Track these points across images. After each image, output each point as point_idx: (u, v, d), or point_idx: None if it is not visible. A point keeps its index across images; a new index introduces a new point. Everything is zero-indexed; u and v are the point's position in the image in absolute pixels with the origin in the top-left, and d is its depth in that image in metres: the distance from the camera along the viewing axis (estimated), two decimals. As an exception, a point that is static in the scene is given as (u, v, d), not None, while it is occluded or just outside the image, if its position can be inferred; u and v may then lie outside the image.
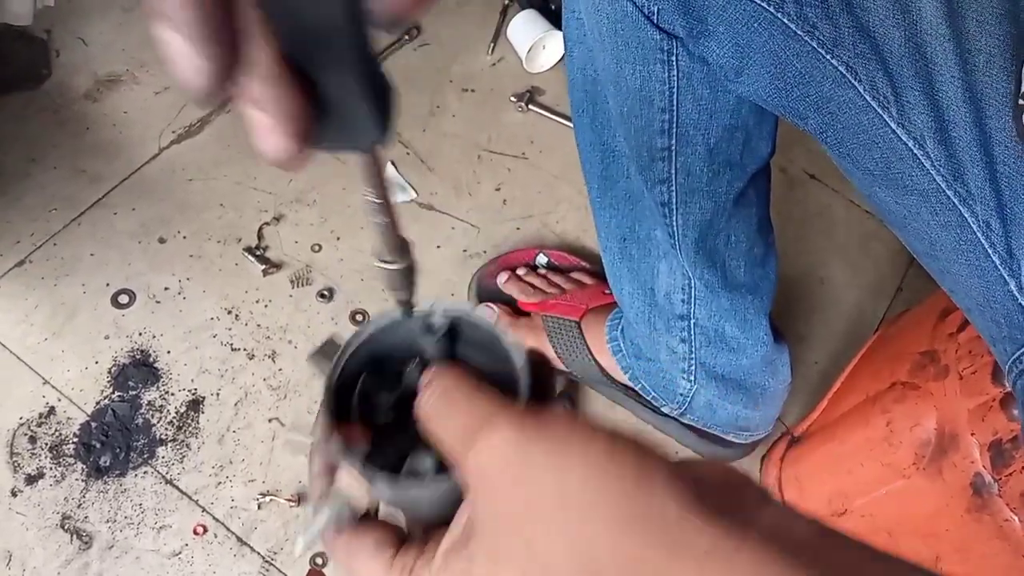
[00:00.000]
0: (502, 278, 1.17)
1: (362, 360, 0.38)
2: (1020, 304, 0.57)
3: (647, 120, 0.72)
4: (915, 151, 0.58)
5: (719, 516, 0.28)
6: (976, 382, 0.86)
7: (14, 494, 1.01)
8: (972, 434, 0.84)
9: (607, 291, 1.13)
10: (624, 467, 0.29)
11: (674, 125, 0.72)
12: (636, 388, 1.05)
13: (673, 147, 0.74)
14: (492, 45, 1.42)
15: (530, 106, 1.36)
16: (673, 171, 0.75)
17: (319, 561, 1.01)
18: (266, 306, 1.16)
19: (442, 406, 0.34)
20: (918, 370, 0.94)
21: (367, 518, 0.37)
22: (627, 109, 0.72)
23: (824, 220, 1.37)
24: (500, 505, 0.30)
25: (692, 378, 0.97)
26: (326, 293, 1.18)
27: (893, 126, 0.58)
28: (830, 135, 0.63)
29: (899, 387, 0.97)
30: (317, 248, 1.21)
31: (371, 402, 0.39)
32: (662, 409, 1.06)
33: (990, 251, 0.57)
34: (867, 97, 0.59)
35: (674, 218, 0.79)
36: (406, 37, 1.41)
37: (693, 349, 0.94)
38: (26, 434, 1.04)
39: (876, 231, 1.36)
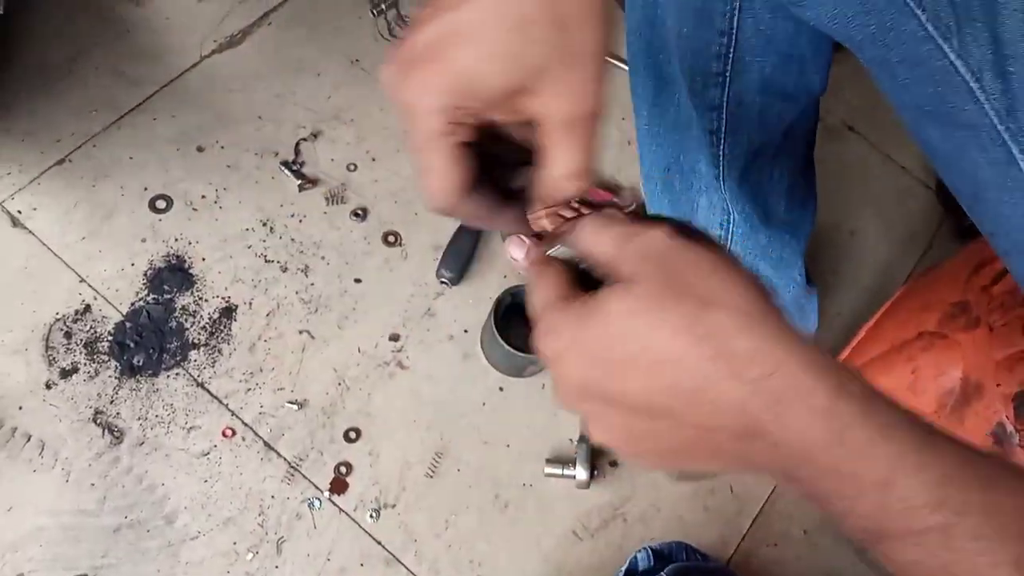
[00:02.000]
0: (534, 209, 1.16)
1: None
2: None
3: (705, 42, 0.71)
4: (971, 84, 0.58)
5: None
6: (1007, 334, 0.86)
7: (48, 386, 1.03)
8: (998, 385, 0.85)
9: (640, 227, 1.13)
10: (746, 270, 0.39)
11: (731, 49, 0.71)
12: (664, 323, 1.06)
13: (728, 73, 0.73)
14: (537, -25, 1.40)
15: (572, 38, 1.34)
16: (725, 98, 0.75)
17: (343, 470, 1.03)
18: (300, 221, 1.16)
19: (602, 224, 0.41)
20: (948, 320, 0.95)
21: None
22: (686, 30, 0.72)
23: (859, 173, 1.36)
24: (646, 265, 0.38)
25: (722, 315, 0.98)
26: (360, 213, 1.18)
27: (952, 57, 0.58)
28: (885, 67, 0.62)
29: (927, 336, 0.97)
30: (352, 167, 1.21)
31: None
32: (688, 346, 1.07)
33: None
34: (929, 27, 0.58)
35: (721, 147, 0.79)
36: (451, -39, 1.39)
37: (726, 286, 0.94)
38: (62, 329, 1.06)
39: (910, 187, 1.36)
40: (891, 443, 0.35)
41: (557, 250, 0.45)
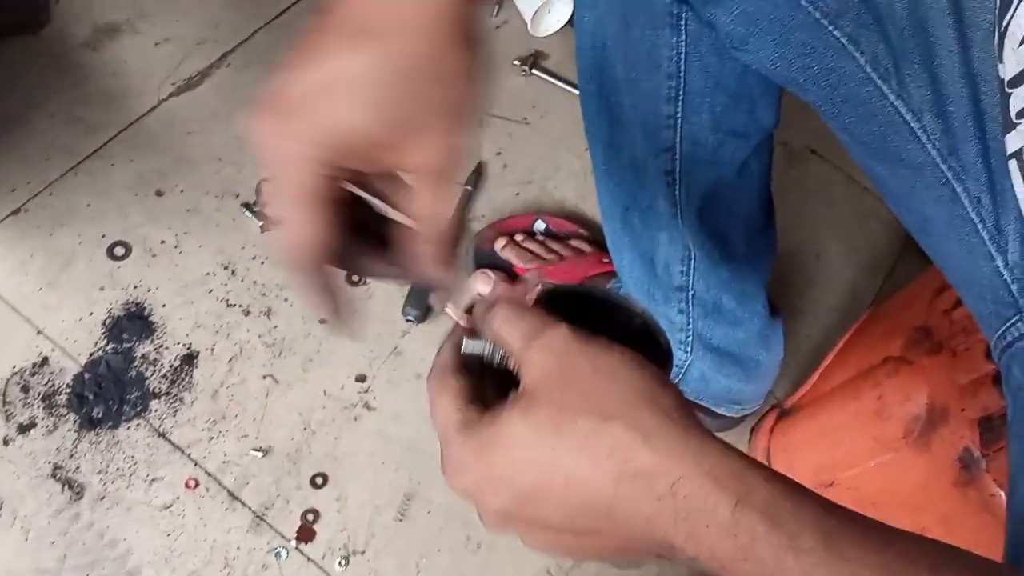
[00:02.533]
0: (499, 243, 1.16)
1: (569, 295, 0.49)
2: (1005, 280, 0.57)
3: (654, 86, 0.72)
4: (912, 124, 0.58)
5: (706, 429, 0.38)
6: (969, 359, 0.86)
7: (6, 443, 1.01)
8: (963, 410, 0.85)
9: (605, 259, 1.13)
10: (644, 368, 0.39)
11: (681, 92, 0.71)
12: (631, 357, 1.06)
13: (679, 115, 0.73)
14: (497, 7, 1.40)
15: (533, 70, 1.35)
16: (678, 139, 0.75)
17: (310, 517, 1.02)
18: (262, 263, 1.15)
19: (512, 316, 0.42)
20: (911, 345, 0.95)
21: (470, 371, 0.44)
22: (635, 75, 0.72)
23: (823, 196, 1.37)
24: (547, 374, 0.39)
25: (688, 349, 0.98)
26: (323, 252, 1.17)
27: (892, 98, 0.59)
28: (829, 107, 0.63)
29: (891, 362, 0.97)
30: (315, 207, 1.20)
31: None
32: (655, 379, 1.07)
33: (980, 227, 0.58)
34: (868, 69, 0.59)
35: (677, 187, 0.79)
36: (410, -4, 1.39)
37: (691, 320, 0.94)
38: (19, 383, 1.04)
39: (874, 209, 1.36)
40: (800, 557, 0.34)
41: (469, 345, 0.45)
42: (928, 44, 0.56)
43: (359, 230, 0.45)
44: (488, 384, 0.44)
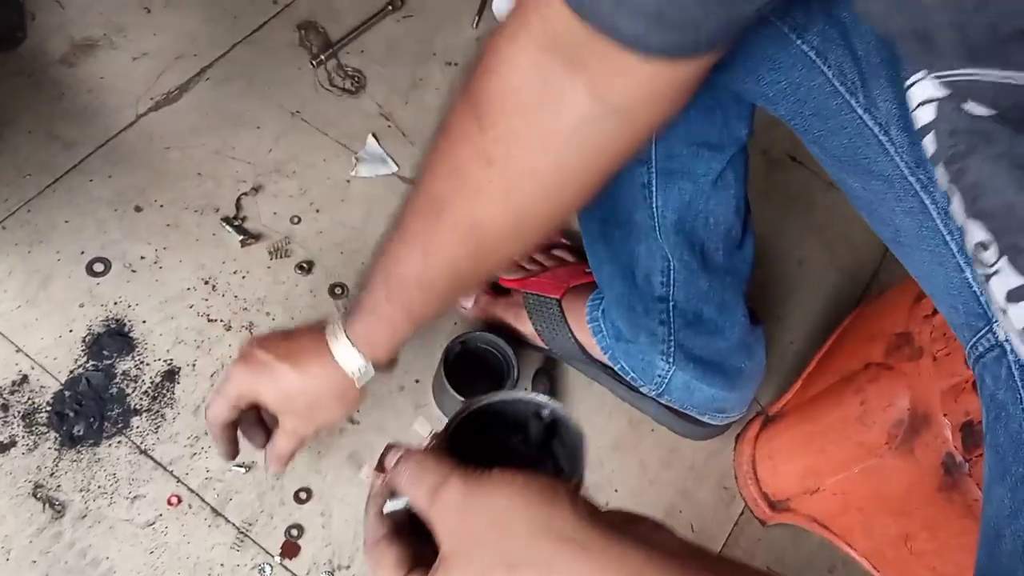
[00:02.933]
0: (482, 254, 1.16)
1: (476, 413, 0.52)
2: (975, 291, 0.58)
3: (629, 99, 0.71)
4: (880, 137, 0.59)
5: (608, 529, 0.41)
6: (949, 364, 0.87)
7: (-14, 462, 1.00)
8: (944, 415, 0.85)
9: (587, 270, 1.13)
10: (535, 494, 0.43)
11: None
12: (615, 368, 1.06)
13: None
14: (477, 18, 1.41)
15: (513, 81, 1.35)
16: (654, 152, 0.75)
17: (294, 533, 1.01)
18: (244, 277, 1.15)
19: (413, 472, 0.46)
20: (893, 351, 0.95)
21: (401, 532, 0.48)
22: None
23: (804, 202, 1.38)
24: (452, 534, 0.43)
25: (670, 360, 0.98)
26: (305, 266, 1.17)
27: (860, 112, 0.59)
28: (800, 121, 0.64)
29: (873, 368, 0.98)
30: (296, 220, 1.20)
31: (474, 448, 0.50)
32: (640, 389, 1.07)
33: (948, 239, 0.58)
34: (835, 83, 0.59)
35: (654, 199, 0.79)
36: (389, 8, 1.39)
37: (672, 331, 0.95)
38: (-2, 402, 1.03)
39: (855, 215, 1.36)
40: None
41: (391, 505, 0.48)
42: (893, 58, 0.57)
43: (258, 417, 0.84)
44: (422, 533, 0.46)
